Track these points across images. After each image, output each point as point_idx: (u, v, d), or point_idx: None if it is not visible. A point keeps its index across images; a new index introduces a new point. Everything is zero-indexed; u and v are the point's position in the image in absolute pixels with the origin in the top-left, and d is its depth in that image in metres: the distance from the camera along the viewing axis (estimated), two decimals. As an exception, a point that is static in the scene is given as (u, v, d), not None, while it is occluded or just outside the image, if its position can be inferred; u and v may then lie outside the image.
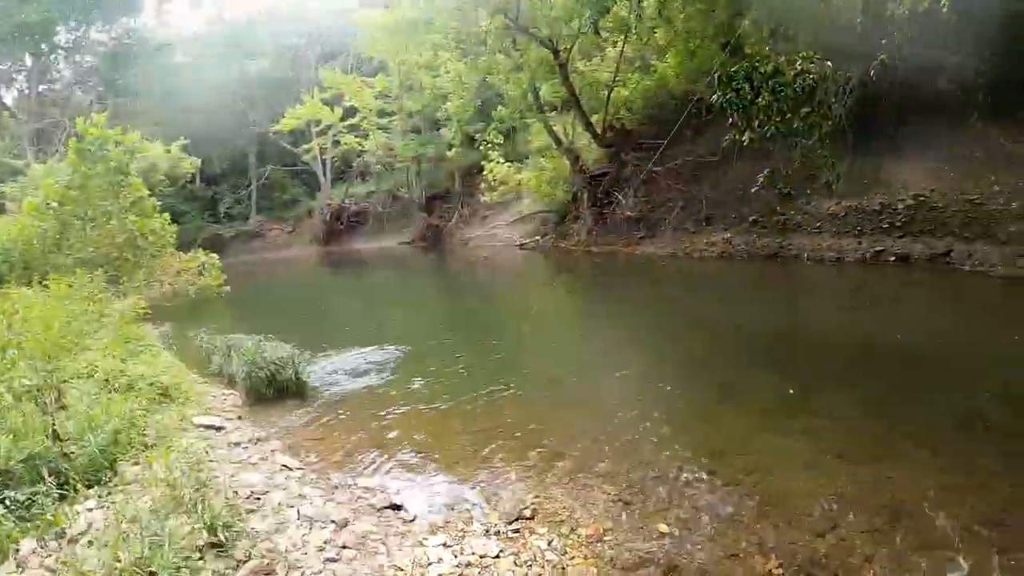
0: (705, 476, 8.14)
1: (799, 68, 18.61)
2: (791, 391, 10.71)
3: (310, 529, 7.06)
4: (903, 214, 18.77)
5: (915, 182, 18.73)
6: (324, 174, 51.37)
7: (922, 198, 18.33)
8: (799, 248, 21.55)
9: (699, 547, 6.67)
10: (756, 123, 20.15)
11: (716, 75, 20.00)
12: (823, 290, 19.02)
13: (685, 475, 8.22)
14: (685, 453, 8.78)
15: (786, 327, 15.20)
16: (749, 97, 19.88)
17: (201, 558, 5.91)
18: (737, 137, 20.81)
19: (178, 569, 5.45)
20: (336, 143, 47.78)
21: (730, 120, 21.12)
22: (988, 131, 17.14)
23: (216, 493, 6.89)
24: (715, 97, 20.99)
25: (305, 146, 49.22)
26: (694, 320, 17.10)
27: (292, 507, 7.54)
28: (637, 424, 9.91)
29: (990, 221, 16.58)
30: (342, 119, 45.86)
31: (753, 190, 22.43)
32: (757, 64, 18.87)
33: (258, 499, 7.70)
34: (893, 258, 18.69)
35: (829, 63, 18.31)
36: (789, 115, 19.18)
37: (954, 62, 17.27)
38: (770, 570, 6.19)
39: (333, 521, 7.28)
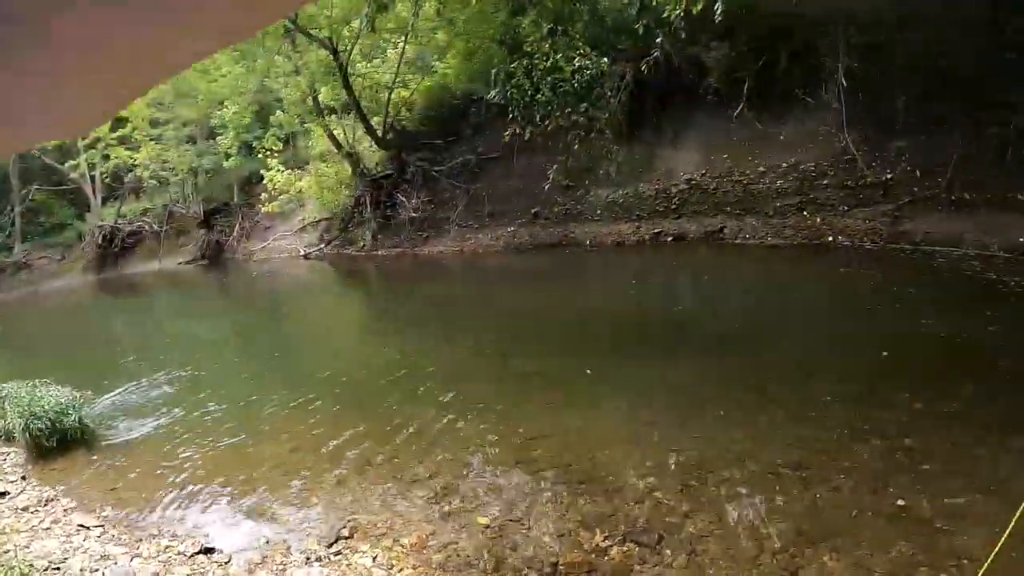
0: (515, 465, 8.20)
1: (576, 65, 18.82)
2: (588, 371, 10.97)
3: None
4: (677, 197, 19.79)
5: (687, 167, 19.79)
6: (94, 193, 46.98)
7: (694, 182, 19.41)
8: (581, 235, 22.18)
9: (524, 534, 6.72)
10: (538, 118, 20.27)
11: (495, 72, 19.88)
12: (605, 272, 19.63)
13: (495, 468, 8.29)
14: (491, 446, 8.85)
15: (573, 310, 15.50)
16: (529, 93, 19.97)
17: None
18: (518, 132, 20.94)
19: None
20: (106, 157, 44.01)
21: (511, 115, 21.20)
22: (751, 119, 18.29)
23: (9, 570, 6.23)
24: (493, 93, 20.92)
25: (72, 162, 45.03)
26: (482, 313, 17.20)
27: (96, 571, 7.02)
28: (438, 423, 9.83)
29: (757, 198, 17.88)
30: (112, 130, 42.10)
31: (545, 185, 22.70)
32: (536, 61, 18.95)
33: (57, 569, 7.08)
34: (671, 238, 19.64)
35: (606, 59, 18.66)
36: (569, 110, 19.37)
37: (720, 57, 18.50)
38: (598, 544, 6.30)
39: None
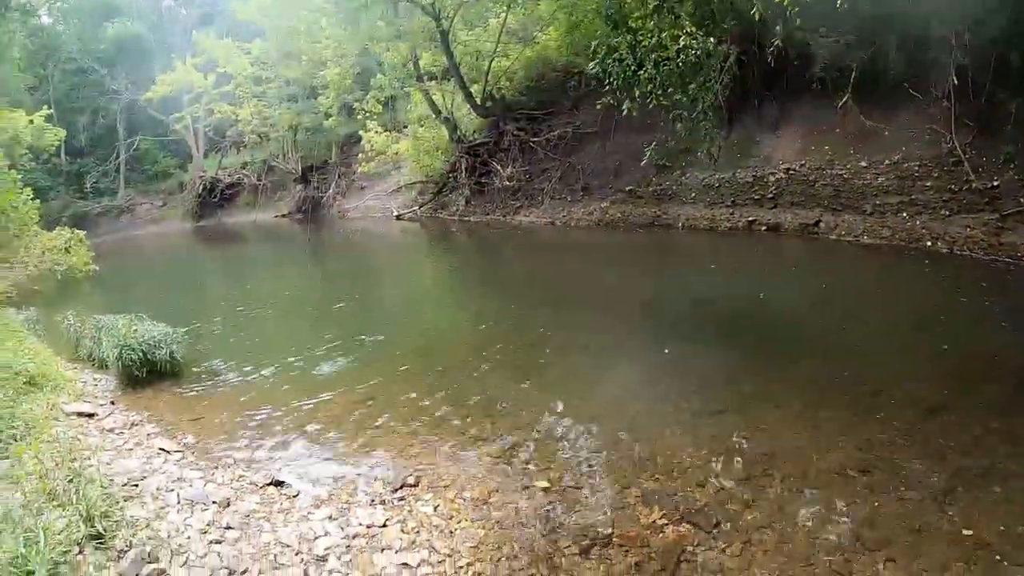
0: (583, 436, 8.32)
1: (682, 44, 18.58)
2: (666, 351, 11.07)
3: (192, 512, 6.86)
4: (774, 186, 19.46)
5: (787, 156, 19.42)
6: (197, 145, 48.90)
7: (793, 171, 19.03)
8: (674, 217, 22.11)
9: (585, 502, 6.84)
10: (638, 94, 20.16)
11: (595, 44, 19.78)
12: (694, 256, 19.55)
13: (564, 435, 8.40)
14: (563, 415, 8.94)
15: (659, 290, 15.59)
16: (631, 69, 19.82)
17: (80, 552, 5.61)
18: (615, 107, 20.84)
19: (56, 565, 5.15)
20: (209, 112, 45.48)
21: (607, 87, 21.14)
22: (855, 112, 17.77)
23: (91, 482, 6.54)
24: (593, 66, 20.87)
25: (176, 115, 46.28)
26: (572, 286, 17.30)
27: (172, 491, 7.32)
28: (511, 386, 10.09)
29: (856, 194, 17.38)
30: (216, 86, 43.69)
31: (642, 163, 22.39)
32: (640, 37, 18.78)
33: (136, 485, 7.43)
34: (764, 227, 19.37)
35: (712, 40, 18.37)
36: (671, 89, 19.18)
37: (828, 45, 17.88)
38: (654, 520, 6.40)
39: (215, 502, 7.10)
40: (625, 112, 19.19)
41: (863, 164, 17.27)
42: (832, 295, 13.76)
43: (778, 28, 17.24)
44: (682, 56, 18.60)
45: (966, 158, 15.13)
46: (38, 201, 21.31)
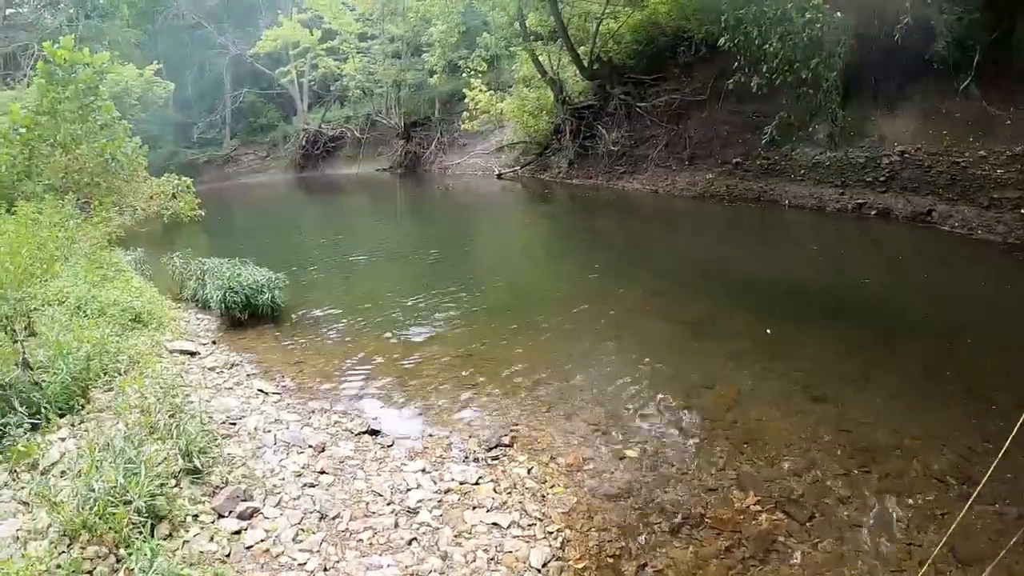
0: (683, 411, 8.30)
1: (807, 17, 18.19)
2: (768, 331, 10.90)
3: (287, 454, 7.10)
4: (887, 169, 18.71)
5: (902, 138, 18.58)
6: (301, 98, 49.98)
7: (907, 155, 18.21)
8: (780, 194, 21.61)
9: (679, 480, 6.81)
10: (764, 68, 19.85)
11: (724, 17, 19.53)
12: (802, 236, 19.06)
13: (663, 409, 8.38)
14: (662, 387, 8.94)
15: (764, 269, 15.30)
16: (756, 42, 19.52)
17: (177, 485, 5.89)
18: (743, 81, 20.60)
19: (153, 497, 5.37)
20: (314, 67, 46.31)
21: (736, 64, 20.85)
22: (977, 96, 16.93)
23: (191, 418, 6.84)
24: (723, 40, 20.61)
25: (282, 69, 47.30)
26: (674, 256, 17.35)
27: (269, 432, 7.59)
28: (615, 355, 10.16)
29: (973, 185, 16.53)
30: (321, 42, 44.47)
31: (750, 136, 22.44)
32: (766, 9, 18.42)
33: (234, 424, 7.75)
34: (874, 212, 18.72)
35: (839, 14, 17.91)
36: (798, 64, 18.85)
37: (952, 22, 16.90)
38: (748, 506, 6.34)
39: (310, 446, 7.33)
40: (755, 89, 18.88)
41: (982, 153, 16.32)
42: (942, 291, 13.27)
43: (907, 3, 16.55)
44: (807, 30, 18.22)
45: (1097, 154, 14.32)
46: (147, 148, 22.27)
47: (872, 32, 18.41)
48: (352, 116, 48.51)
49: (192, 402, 7.48)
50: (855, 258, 16.22)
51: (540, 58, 31.47)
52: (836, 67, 18.84)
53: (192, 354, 10.53)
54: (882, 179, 18.83)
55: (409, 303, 13.23)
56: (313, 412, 8.51)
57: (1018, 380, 8.97)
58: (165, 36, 47.54)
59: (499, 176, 34.94)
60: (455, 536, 5.87)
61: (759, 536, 5.95)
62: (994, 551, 5.55)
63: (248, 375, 9.87)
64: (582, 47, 30.00)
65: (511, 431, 7.85)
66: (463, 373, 9.69)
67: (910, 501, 6.36)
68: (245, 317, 12.29)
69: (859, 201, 19.17)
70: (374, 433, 7.91)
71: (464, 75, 36.62)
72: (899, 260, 15.90)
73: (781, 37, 18.75)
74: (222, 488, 6.11)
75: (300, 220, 30.72)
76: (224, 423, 7.71)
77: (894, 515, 6.18)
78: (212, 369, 9.97)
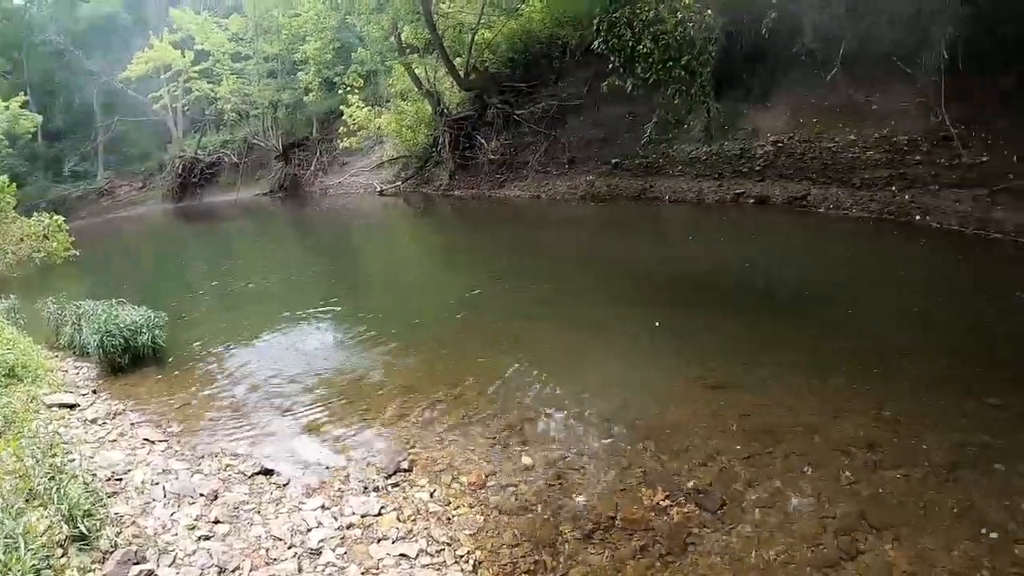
0: (579, 413, 8.25)
1: (679, 17, 18.49)
2: (656, 324, 10.91)
3: (178, 506, 6.75)
4: (762, 158, 19.33)
5: (775, 129, 19.28)
6: (175, 124, 48.08)
7: (781, 144, 18.89)
8: (661, 190, 21.95)
9: (585, 484, 6.75)
10: (639, 69, 20.13)
11: (598, 21, 19.69)
12: (682, 228, 19.58)
13: (562, 413, 8.33)
14: (559, 392, 8.87)
15: (650, 264, 15.50)
16: (631, 44, 19.78)
17: (64, 554, 5.48)
18: (618, 83, 20.88)
19: (38, 572, 4.97)
20: (188, 90, 44.63)
21: (611, 66, 21.10)
22: (844, 85, 17.72)
23: (73, 479, 6.32)
24: (597, 43, 20.81)
25: (154, 94, 45.38)
26: (561, 260, 17.33)
27: (157, 484, 7.21)
28: (508, 364, 9.93)
29: (844, 168, 17.28)
30: (194, 64, 42.92)
31: (627, 136, 22.74)
32: (638, 11, 18.69)
33: (120, 480, 7.33)
34: (752, 200, 19.25)
35: (710, 12, 18.26)
36: (671, 63, 19.14)
37: (821, 18, 17.64)
38: (658, 502, 6.32)
39: (202, 495, 7.00)
40: (629, 88, 19.13)
41: (852, 137, 17.15)
42: (822, 267, 13.79)
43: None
44: (679, 30, 18.50)
45: (956, 133, 14.96)
46: (14, 186, 21.11)
47: (741, 29, 19.08)
48: (229, 140, 47.03)
49: (74, 459, 6.99)
50: (736, 245, 16.52)
51: (416, 71, 31.33)
52: (709, 64, 19.16)
53: (72, 407, 9.92)
54: (758, 168, 19.41)
55: (294, 331, 12.98)
56: (203, 457, 8.11)
57: (902, 345, 9.36)
58: (32, 64, 45.45)
59: (381, 193, 34.42)
60: (362, 573, 5.68)
61: (672, 531, 5.95)
62: (904, 515, 5.82)
63: (132, 424, 9.36)
64: (458, 58, 30.00)
65: (409, 454, 7.66)
66: (354, 398, 9.45)
67: (817, 475, 6.50)
68: (126, 361, 11.68)
69: (737, 191, 19.70)
70: (268, 472, 7.59)
71: (341, 92, 36.00)
72: (779, 243, 16.37)
73: (655, 37, 19.04)
74: (112, 552, 5.66)
75: (179, 252, 29.81)
76: (110, 479, 7.23)
77: (804, 491, 6.30)
78: (94, 421, 9.42)
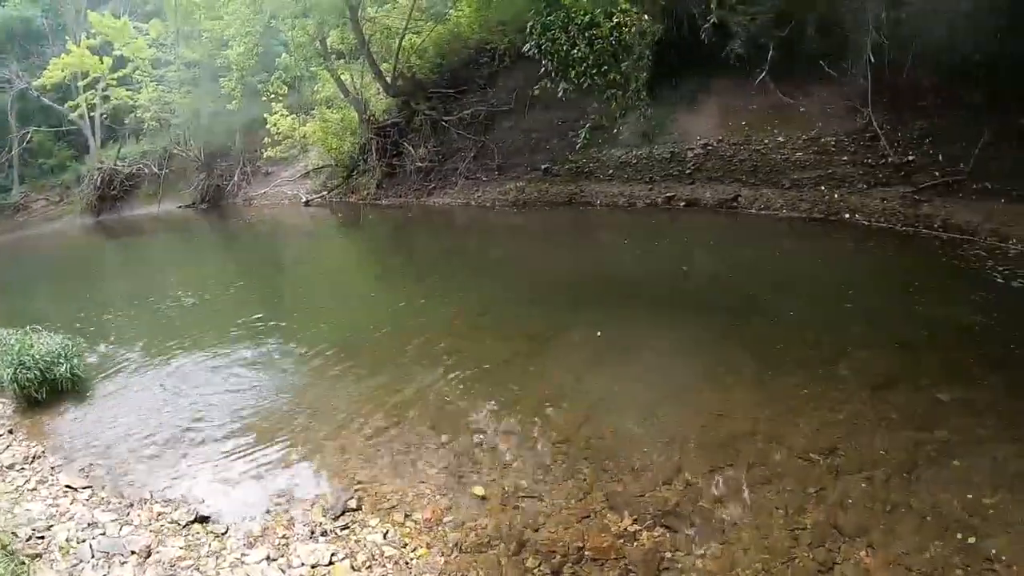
0: (536, 437, 7.93)
1: (615, 21, 18.54)
2: (598, 333, 10.70)
3: (109, 567, 6.17)
4: (692, 162, 19.49)
5: (704, 132, 19.47)
6: (93, 134, 45.82)
7: (710, 147, 19.11)
8: (592, 195, 21.92)
9: (547, 513, 6.49)
10: (573, 74, 20.10)
11: (531, 24, 19.60)
12: (613, 233, 19.54)
13: (515, 437, 7.99)
14: (509, 414, 8.51)
15: (585, 270, 15.39)
16: (564, 48, 19.76)
17: None
18: (549, 87, 20.83)
19: None
20: (106, 98, 42.80)
21: (542, 70, 21.02)
22: (772, 88, 18.02)
23: None
24: (528, 46, 20.69)
25: (71, 103, 43.26)
26: (485, 269, 17.10)
27: (84, 542, 6.59)
28: (453, 386, 9.56)
29: (774, 169, 17.60)
30: (112, 70, 41.05)
31: (556, 141, 22.72)
32: (573, 15, 18.71)
33: (42, 538, 6.67)
34: (683, 203, 19.35)
35: (647, 17, 18.34)
36: (606, 67, 19.17)
37: (745, 22, 17.80)
38: (626, 528, 6.11)
39: (133, 552, 6.41)
40: (561, 94, 19.12)
41: (781, 139, 17.46)
42: (757, 269, 13.81)
43: (713, 5, 17.33)
44: (615, 34, 18.52)
45: (882, 133, 15.44)
46: None
47: (671, 35, 19.11)
48: (149, 150, 45.08)
49: (-11, 517, 6.33)
50: (670, 249, 16.60)
51: (343, 77, 30.75)
52: (645, 68, 19.22)
53: (-17, 451, 9.18)
54: (688, 172, 19.58)
55: (223, 354, 12.16)
56: (131, 505, 7.48)
57: (845, 344, 9.33)
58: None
59: (307, 203, 33.64)
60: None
61: (645, 557, 5.78)
62: (874, 519, 5.80)
63: (52, 468, 8.68)
64: (385, 64, 29.52)
65: (355, 490, 7.22)
66: (292, 429, 8.85)
67: (782, 485, 6.42)
68: (43, 395, 10.77)
69: (668, 194, 19.79)
70: (204, 520, 7.03)
71: (264, 99, 35.22)
72: (713, 246, 16.52)
73: (590, 42, 19.07)
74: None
75: (100, 271, 28.38)
76: (31, 539, 6.59)
77: (772, 503, 6.21)
78: (11, 467, 8.73)
